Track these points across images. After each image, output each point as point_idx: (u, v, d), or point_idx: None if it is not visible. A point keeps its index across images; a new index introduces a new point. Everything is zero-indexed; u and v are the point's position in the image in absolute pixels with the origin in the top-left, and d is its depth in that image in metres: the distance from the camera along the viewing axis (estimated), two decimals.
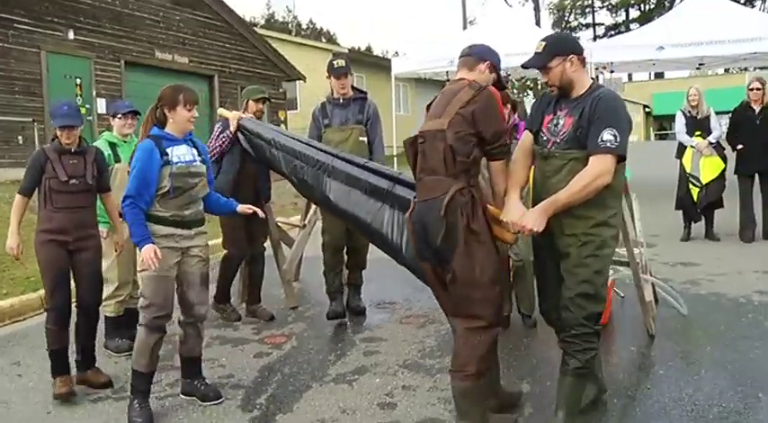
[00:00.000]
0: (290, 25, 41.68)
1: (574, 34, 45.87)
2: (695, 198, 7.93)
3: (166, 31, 15.98)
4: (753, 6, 34.48)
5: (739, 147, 7.86)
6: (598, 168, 2.96)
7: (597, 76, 13.87)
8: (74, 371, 4.28)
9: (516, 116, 4.87)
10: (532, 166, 3.37)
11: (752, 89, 7.82)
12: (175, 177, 3.67)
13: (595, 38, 45.59)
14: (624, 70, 16.49)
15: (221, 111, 5.37)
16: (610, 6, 53.05)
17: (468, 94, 3.11)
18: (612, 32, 49.53)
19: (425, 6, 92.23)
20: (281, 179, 5.07)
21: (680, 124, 8.17)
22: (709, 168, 7.85)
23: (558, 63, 3.12)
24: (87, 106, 13.79)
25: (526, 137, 3.35)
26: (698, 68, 14.21)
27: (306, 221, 6.12)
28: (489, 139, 3.09)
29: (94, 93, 14.11)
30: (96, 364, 4.31)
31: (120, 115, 4.84)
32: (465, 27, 29.42)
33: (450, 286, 3.14)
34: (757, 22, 11.37)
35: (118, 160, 4.73)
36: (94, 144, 4.92)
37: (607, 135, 2.95)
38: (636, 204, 5.01)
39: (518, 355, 4.44)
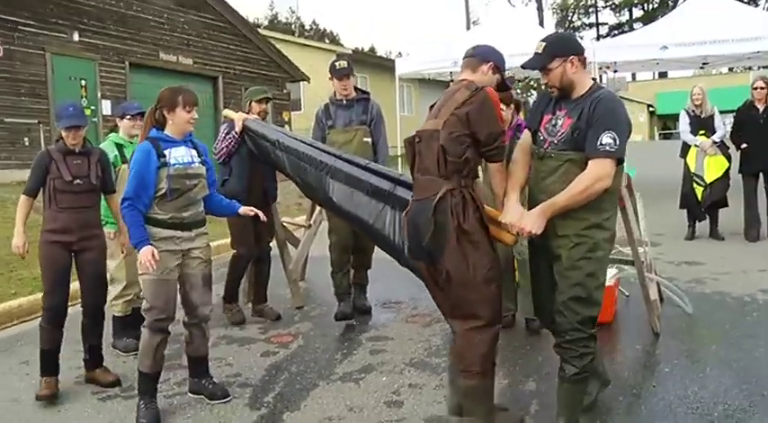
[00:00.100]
0: (293, 26, 41.71)
1: (577, 34, 45.83)
2: (699, 197, 7.94)
3: (171, 32, 16.02)
4: (756, 5, 34.38)
5: (743, 146, 7.87)
6: (597, 172, 2.93)
7: (601, 76, 13.89)
8: (81, 371, 4.33)
9: (520, 116, 4.89)
10: None
11: (756, 88, 7.82)
12: (173, 179, 3.67)
13: (599, 37, 45.55)
14: (628, 70, 16.52)
15: (227, 112, 5.40)
16: (613, 6, 52.99)
17: (464, 95, 3.11)
18: (616, 32, 49.45)
19: (425, 7, 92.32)
20: (285, 180, 5.10)
21: (684, 124, 8.17)
22: (713, 167, 7.86)
23: (558, 64, 3.07)
24: (92, 108, 13.83)
25: (526, 136, 3.33)
26: (702, 68, 14.22)
27: (311, 221, 6.16)
28: (484, 141, 3.07)
29: (99, 94, 14.15)
30: (104, 364, 4.34)
31: (128, 116, 4.88)
32: (468, 27, 29.44)
33: (445, 286, 3.13)
34: (761, 21, 11.36)
35: (125, 161, 4.76)
36: (101, 145, 4.98)
37: (606, 138, 2.92)
38: (640, 203, 5.02)
39: (523, 352, 4.46)
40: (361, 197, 4.11)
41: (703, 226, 8.17)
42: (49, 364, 4.12)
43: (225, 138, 5.18)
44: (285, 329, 5.22)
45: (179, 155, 3.75)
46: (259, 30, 22.20)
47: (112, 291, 4.89)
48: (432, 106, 3.35)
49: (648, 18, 43.17)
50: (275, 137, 4.92)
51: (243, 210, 4.13)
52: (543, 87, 3.24)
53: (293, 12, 45.73)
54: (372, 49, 46.96)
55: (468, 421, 3.17)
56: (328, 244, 5.36)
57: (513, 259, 4.84)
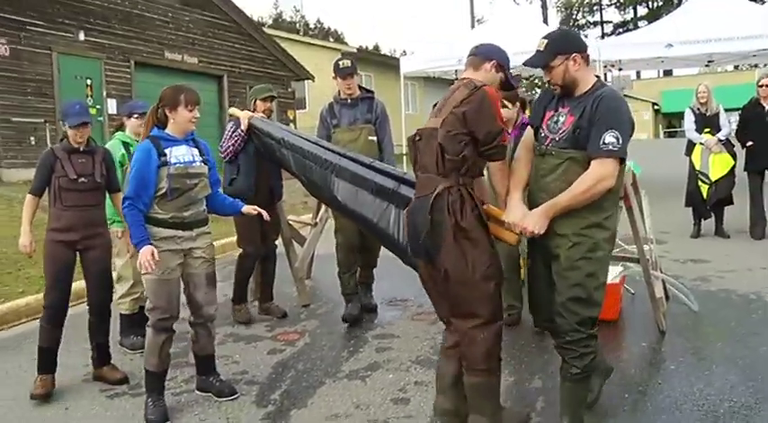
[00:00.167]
0: (297, 25, 41.75)
1: (582, 32, 45.72)
2: (705, 195, 7.93)
3: (176, 31, 16.07)
4: (762, 3, 34.28)
5: (749, 143, 7.85)
6: (600, 172, 2.91)
7: (605, 75, 13.87)
8: (89, 368, 4.37)
9: (525, 115, 4.89)
10: None
11: (761, 86, 7.80)
12: (173, 178, 3.66)
13: (603, 36, 45.55)
14: (633, 68, 16.50)
15: (232, 110, 5.41)
16: (618, 4, 52.94)
17: (463, 94, 3.09)
18: (620, 30, 49.46)
19: (428, 5, 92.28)
20: (291, 178, 5.12)
21: (689, 122, 8.17)
22: (718, 165, 7.86)
23: (560, 62, 3.03)
24: (98, 107, 13.89)
25: (528, 133, 3.30)
26: (707, 65, 14.17)
27: (317, 220, 6.17)
28: (483, 140, 3.04)
29: (105, 93, 14.21)
30: (112, 361, 4.37)
31: (136, 115, 4.90)
32: (473, 26, 29.40)
33: (443, 285, 3.13)
34: (767, 18, 11.33)
35: (131, 159, 4.78)
36: (109, 144, 5.01)
37: (609, 137, 2.89)
38: (646, 201, 5.03)
39: (529, 350, 4.47)
40: (365, 196, 4.11)
41: (709, 224, 8.17)
42: (47, 362, 4.15)
43: (231, 136, 5.18)
44: (291, 327, 5.25)
45: (180, 154, 3.74)
46: (264, 29, 22.23)
47: (120, 289, 4.92)
48: (435, 105, 3.36)
49: (653, 16, 43.17)
50: (280, 135, 4.93)
51: (246, 208, 4.12)
52: (546, 85, 3.22)
53: (297, 10, 45.85)
54: (377, 48, 46.98)
55: (476, 419, 3.18)
56: (335, 244, 5.37)
57: (519, 257, 4.85)
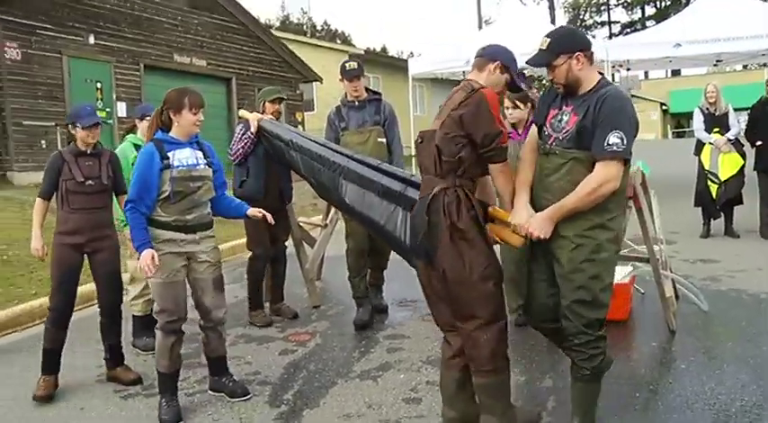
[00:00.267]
0: (304, 27, 41.81)
1: (589, 32, 45.59)
2: (714, 195, 7.93)
3: (184, 34, 16.15)
4: None
5: (758, 143, 7.83)
6: (605, 174, 2.87)
7: (614, 75, 13.85)
8: (103, 369, 4.40)
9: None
10: None
11: None
12: (176, 181, 3.67)
13: (611, 36, 45.47)
14: (641, 68, 16.46)
15: (242, 112, 5.43)
16: (625, 4, 52.79)
17: (461, 96, 3.09)
18: (628, 30, 49.28)
19: (435, 7, 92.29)
20: (300, 180, 5.14)
21: (698, 121, 8.16)
22: (727, 165, 7.85)
23: (563, 61, 2.99)
24: (107, 110, 13.97)
25: (533, 133, 3.27)
26: (715, 65, 14.14)
27: (327, 221, 6.20)
28: (481, 143, 3.02)
29: (114, 96, 14.29)
30: (125, 362, 4.41)
31: (148, 117, 4.92)
32: (480, 27, 29.39)
33: (443, 286, 3.14)
34: None
35: None
36: (120, 146, 5.05)
37: (613, 138, 2.84)
38: (655, 201, 5.04)
39: (540, 350, 4.48)
40: (372, 198, 4.10)
41: (718, 224, 8.16)
42: (50, 364, 4.19)
43: (241, 138, 5.21)
44: (303, 328, 5.28)
45: (183, 157, 3.74)
46: (271, 31, 22.30)
47: (132, 290, 4.97)
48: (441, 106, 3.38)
49: (661, 16, 43.03)
50: (289, 137, 4.95)
51: (251, 211, 4.11)
52: (549, 83, 3.19)
53: (305, 12, 45.84)
54: (384, 50, 47.02)
55: (487, 419, 3.19)
56: (345, 248, 5.38)
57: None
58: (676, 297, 5.03)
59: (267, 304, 5.67)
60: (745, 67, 29.35)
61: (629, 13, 53.63)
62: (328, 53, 23.00)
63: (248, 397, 3.94)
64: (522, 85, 3.44)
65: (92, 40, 13.86)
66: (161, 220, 3.69)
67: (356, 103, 5.29)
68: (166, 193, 3.66)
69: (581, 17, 52.99)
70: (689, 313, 5.02)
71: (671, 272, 5.00)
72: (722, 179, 7.85)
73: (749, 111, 8.19)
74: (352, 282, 5.36)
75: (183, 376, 4.08)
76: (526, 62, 3.19)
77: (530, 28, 12.18)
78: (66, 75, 13.27)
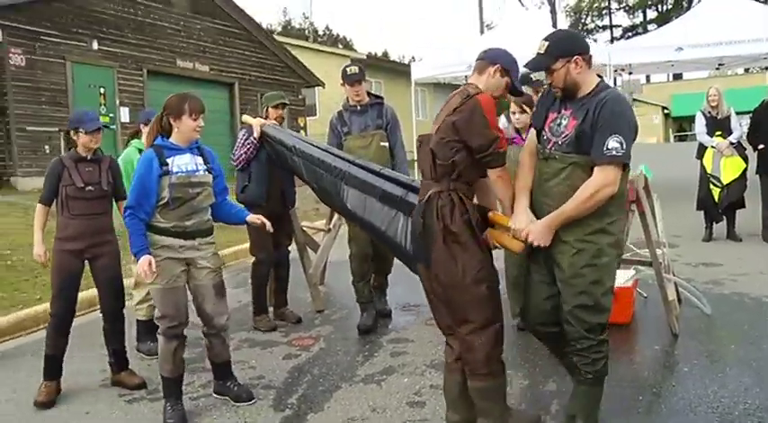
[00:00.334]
0: (306, 32, 41.87)
1: (591, 37, 45.54)
2: (716, 198, 7.94)
3: (187, 39, 16.21)
4: None
5: (760, 146, 7.84)
6: (602, 179, 2.87)
7: (615, 79, 13.86)
8: (107, 374, 4.42)
9: None
10: None
11: None
12: (174, 188, 3.67)
13: (613, 40, 45.46)
14: (643, 72, 16.43)
15: (245, 117, 5.44)
16: (627, 8, 52.85)
17: (456, 102, 3.09)
18: (630, 34, 49.27)
19: (436, 8, 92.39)
20: (303, 185, 5.14)
21: (700, 125, 8.17)
22: (730, 168, 7.87)
23: (561, 65, 2.98)
24: (111, 115, 14.03)
25: (531, 136, 3.26)
26: (717, 69, 14.15)
27: (330, 226, 6.22)
28: (476, 149, 3.03)
29: (118, 101, 14.35)
30: (130, 367, 4.42)
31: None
32: (482, 31, 29.45)
33: (437, 289, 3.16)
34: None
35: None
36: (126, 151, 5.08)
37: (613, 143, 2.84)
38: (657, 205, 5.05)
39: (543, 353, 4.46)
40: (374, 204, 4.09)
41: (721, 227, 8.17)
42: (52, 369, 4.21)
43: (244, 144, 5.22)
44: (306, 333, 5.29)
45: (183, 163, 3.74)
46: (274, 36, 22.36)
47: (137, 295, 4.99)
48: None
49: (662, 20, 43.00)
50: (292, 142, 4.94)
51: (250, 218, 4.11)
52: (547, 86, 3.18)
53: (306, 17, 45.87)
54: (386, 54, 47.07)
55: (484, 422, 3.20)
56: (348, 253, 5.38)
57: None
58: (679, 300, 5.03)
59: (271, 309, 5.68)
60: (746, 70, 29.39)
61: (631, 16, 53.75)
62: (330, 58, 23.04)
63: (253, 401, 3.95)
64: (529, 90, 3.44)
65: (95, 45, 13.92)
66: (160, 225, 3.70)
67: (358, 107, 5.29)
68: (165, 200, 3.67)
69: (582, 21, 53.05)
70: (691, 317, 5.02)
71: (673, 275, 5.01)
72: (724, 183, 7.86)
73: (751, 114, 8.21)
74: (355, 286, 5.37)
75: (188, 381, 4.10)
76: (524, 65, 3.19)
77: (531, 32, 12.22)
78: (69, 80, 13.34)
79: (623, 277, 4.93)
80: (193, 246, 3.78)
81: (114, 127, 13.96)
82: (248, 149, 5.21)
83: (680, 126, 45.82)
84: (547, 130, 3.11)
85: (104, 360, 4.45)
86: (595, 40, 41.61)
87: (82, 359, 4.73)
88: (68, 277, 4.17)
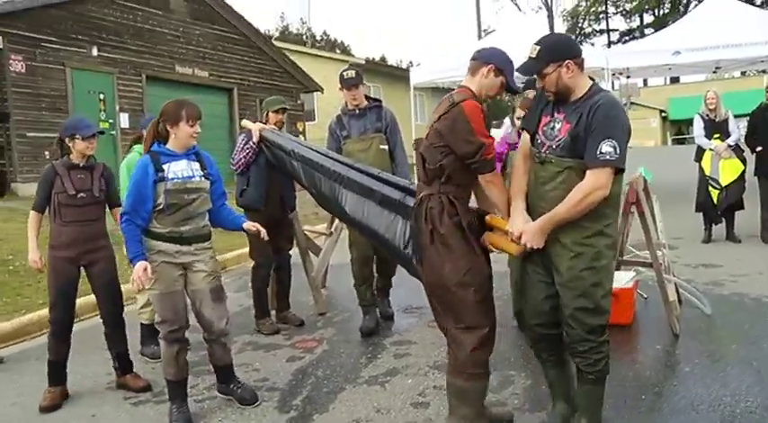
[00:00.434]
0: (304, 37, 41.92)
1: (588, 41, 45.55)
2: (715, 200, 7.98)
3: (186, 45, 16.24)
4: None
5: (758, 148, 7.89)
6: (594, 182, 2.86)
7: (613, 83, 13.89)
8: (113, 376, 4.45)
9: None
10: None
11: None
12: (170, 194, 3.68)
13: (610, 44, 45.49)
14: (640, 76, 16.50)
15: (245, 122, 5.46)
16: (624, 12, 52.93)
17: (443, 108, 3.11)
18: (627, 38, 49.36)
19: (433, 14, 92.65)
20: (302, 189, 5.17)
21: (698, 128, 8.21)
22: (728, 170, 7.91)
23: (552, 69, 2.97)
24: (111, 121, 14.05)
25: (525, 139, 3.23)
26: (714, 72, 14.19)
27: (332, 229, 6.25)
28: (462, 155, 3.05)
29: (117, 107, 14.36)
30: (134, 370, 4.45)
31: None
32: (480, 36, 29.53)
33: (428, 289, 3.21)
34: None
35: None
36: (127, 157, 5.10)
37: (606, 147, 2.83)
38: (657, 207, 5.09)
39: None
40: (373, 207, 4.10)
41: (720, 229, 8.21)
42: (55, 375, 4.25)
43: (243, 148, 5.24)
44: (309, 335, 5.32)
45: (179, 169, 3.75)
46: (272, 41, 22.41)
47: (140, 299, 5.01)
48: None
49: (659, 24, 43.10)
50: (291, 147, 4.96)
51: (246, 225, 4.10)
52: (539, 90, 3.18)
53: (304, 22, 45.94)
54: (383, 59, 47.09)
55: (454, 421, 3.22)
56: (350, 257, 5.39)
57: None
58: (679, 301, 5.06)
59: (273, 312, 5.71)
60: (743, 73, 29.47)
61: (628, 21, 53.76)
62: (329, 63, 23.09)
63: (258, 403, 3.98)
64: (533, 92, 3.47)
65: (95, 51, 13.94)
66: (156, 231, 3.72)
67: (357, 111, 5.29)
68: (161, 205, 3.68)
69: (580, 25, 53.11)
70: (692, 317, 5.06)
71: (674, 276, 5.04)
72: (723, 185, 7.91)
73: (749, 117, 8.24)
74: (357, 290, 5.38)
75: (192, 383, 4.12)
76: (516, 69, 3.18)
77: (529, 36, 12.25)
78: (69, 86, 13.35)
79: (624, 278, 4.96)
80: (189, 251, 3.79)
81: (114, 133, 14.00)
82: (247, 154, 5.24)
83: (678, 129, 45.92)
84: (540, 133, 3.11)
85: (109, 363, 4.49)
86: (593, 45, 41.79)
87: (87, 362, 4.76)
88: (65, 284, 4.20)
